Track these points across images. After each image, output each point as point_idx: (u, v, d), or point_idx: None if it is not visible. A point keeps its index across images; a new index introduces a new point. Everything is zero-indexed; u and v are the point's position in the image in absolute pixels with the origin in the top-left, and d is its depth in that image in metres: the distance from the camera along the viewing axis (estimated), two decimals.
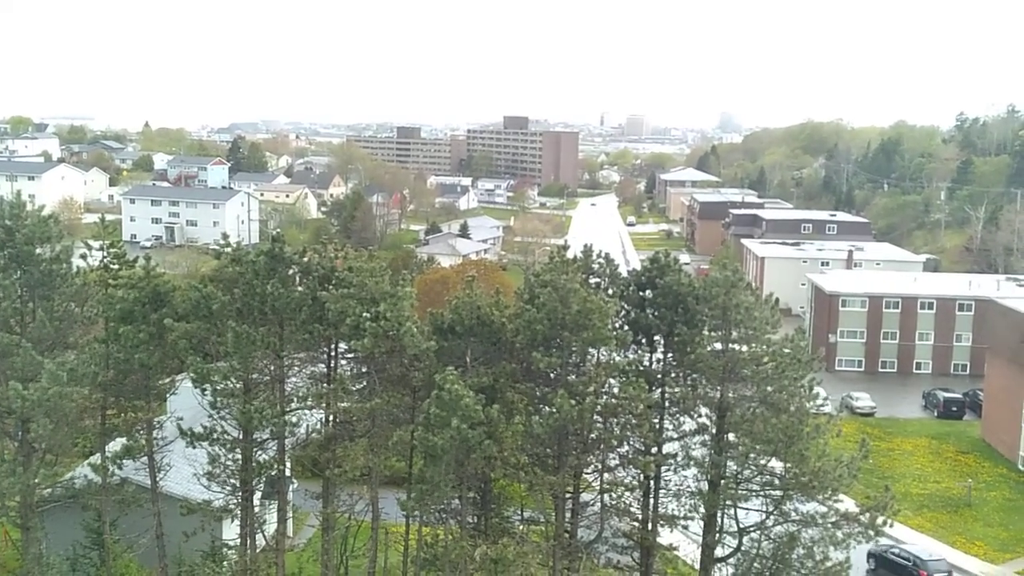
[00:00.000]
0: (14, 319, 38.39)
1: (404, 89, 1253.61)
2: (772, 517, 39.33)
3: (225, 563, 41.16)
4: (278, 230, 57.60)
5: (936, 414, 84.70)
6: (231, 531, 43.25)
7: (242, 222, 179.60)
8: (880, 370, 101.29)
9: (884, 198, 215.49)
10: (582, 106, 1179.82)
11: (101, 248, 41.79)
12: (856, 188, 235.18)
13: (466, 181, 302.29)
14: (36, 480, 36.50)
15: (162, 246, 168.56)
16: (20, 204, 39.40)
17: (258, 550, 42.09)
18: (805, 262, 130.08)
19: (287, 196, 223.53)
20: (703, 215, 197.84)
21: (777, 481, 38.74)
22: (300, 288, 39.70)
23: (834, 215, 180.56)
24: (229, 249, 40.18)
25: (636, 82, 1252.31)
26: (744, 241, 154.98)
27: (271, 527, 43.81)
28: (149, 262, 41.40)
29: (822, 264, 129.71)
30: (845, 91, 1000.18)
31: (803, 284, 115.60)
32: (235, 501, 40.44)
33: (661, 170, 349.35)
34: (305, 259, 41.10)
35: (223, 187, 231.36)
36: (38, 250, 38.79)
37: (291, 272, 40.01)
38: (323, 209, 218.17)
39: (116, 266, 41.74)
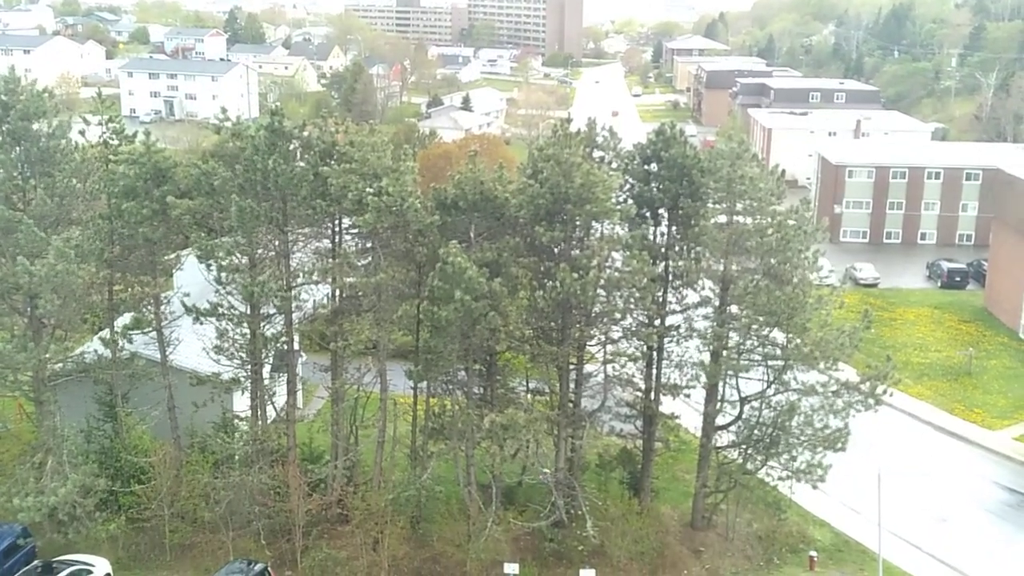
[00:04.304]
0: (16, 195, 38.32)
1: None
2: (773, 387, 39.92)
3: (237, 434, 41.99)
4: (277, 103, 56.65)
5: (940, 284, 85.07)
6: (242, 403, 44.05)
7: (241, 95, 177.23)
8: (885, 241, 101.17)
9: (894, 65, 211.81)
10: None
11: (100, 123, 41.24)
12: (866, 55, 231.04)
13: (468, 51, 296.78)
14: (47, 355, 36.95)
15: (161, 120, 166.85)
16: (15, 78, 38.76)
17: (269, 421, 43.01)
18: (813, 132, 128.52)
19: (286, 68, 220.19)
20: (710, 84, 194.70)
21: (779, 352, 39.16)
22: (301, 163, 39.35)
23: (843, 83, 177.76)
24: (229, 124, 39.68)
25: None
26: (751, 111, 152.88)
27: (281, 399, 44.57)
28: (149, 137, 40.94)
29: (830, 134, 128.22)
30: None
31: (810, 155, 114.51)
32: (244, 374, 41.11)
33: (668, 39, 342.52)
34: (305, 133, 40.61)
35: (221, 59, 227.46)
36: (35, 125, 38.34)
37: (292, 147, 39.58)
38: (323, 81, 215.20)
39: (116, 142, 41.33)
